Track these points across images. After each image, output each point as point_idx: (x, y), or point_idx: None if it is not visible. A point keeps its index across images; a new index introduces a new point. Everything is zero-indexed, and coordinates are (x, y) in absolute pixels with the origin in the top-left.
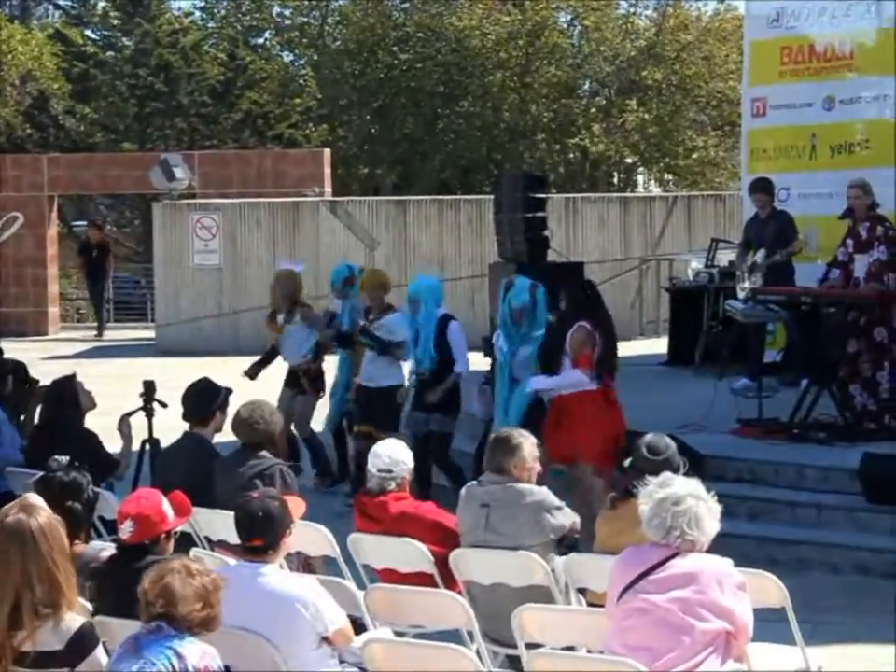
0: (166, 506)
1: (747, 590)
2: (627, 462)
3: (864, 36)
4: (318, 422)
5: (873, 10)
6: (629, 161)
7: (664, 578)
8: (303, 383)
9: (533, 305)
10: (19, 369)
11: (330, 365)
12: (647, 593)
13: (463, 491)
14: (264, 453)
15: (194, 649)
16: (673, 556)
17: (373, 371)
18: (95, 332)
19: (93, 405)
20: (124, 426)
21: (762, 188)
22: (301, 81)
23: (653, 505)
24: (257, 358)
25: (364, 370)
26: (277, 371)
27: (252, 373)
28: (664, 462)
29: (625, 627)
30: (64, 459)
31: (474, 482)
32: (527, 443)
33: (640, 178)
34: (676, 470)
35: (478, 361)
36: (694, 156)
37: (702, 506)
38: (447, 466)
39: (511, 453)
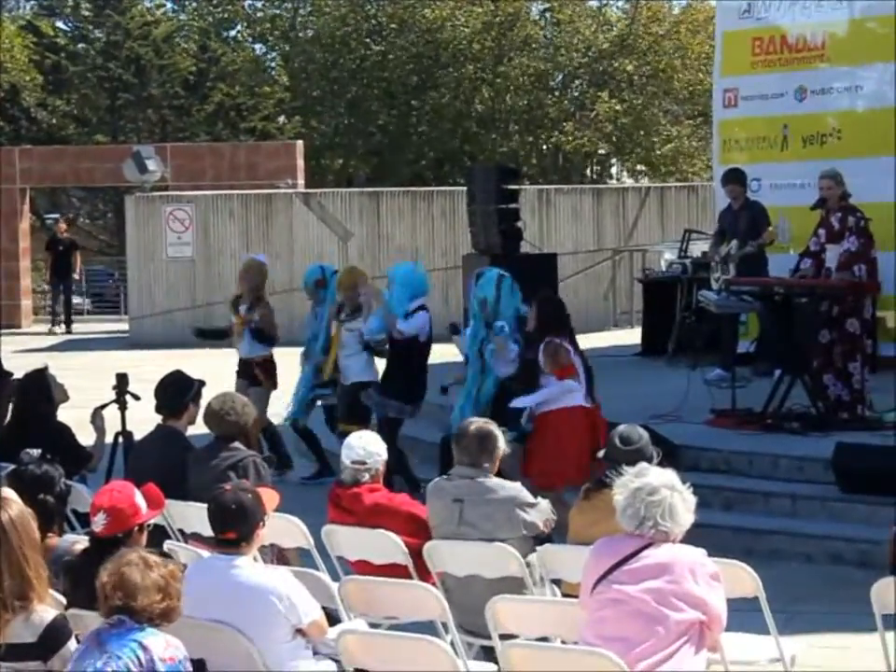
0: (139, 498)
1: (721, 580)
2: (601, 453)
3: (836, 27)
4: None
5: (844, 1)
6: (602, 151)
7: (637, 568)
8: (258, 374)
9: (497, 298)
10: None
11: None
12: (621, 583)
13: (431, 485)
14: (237, 444)
15: (158, 640)
16: (646, 547)
17: (346, 366)
18: (64, 328)
19: (66, 398)
20: (97, 418)
21: (734, 178)
22: (273, 73)
23: (628, 495)
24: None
25: (341, 366)
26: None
27: (201, 332)
28: (636, 452)
29: (600, 618)
30: (36, 452)
31: (442, 476)
32: (498, 432)
33: (614, 170)
34: (649, 461)
35: (445, 352)
36: (668, 146)
37: (676, 497)
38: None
39: (485, 445)
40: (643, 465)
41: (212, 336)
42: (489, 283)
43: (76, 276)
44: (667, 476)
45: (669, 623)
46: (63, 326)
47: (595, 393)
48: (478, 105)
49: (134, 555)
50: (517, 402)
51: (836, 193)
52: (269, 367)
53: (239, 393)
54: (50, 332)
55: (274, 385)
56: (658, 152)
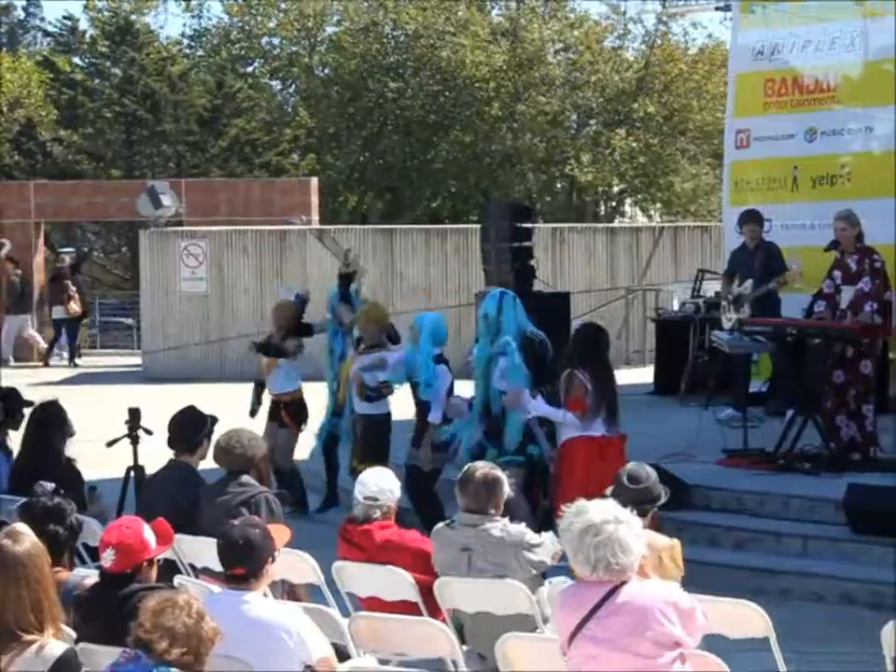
0: (148, 534)
1: (694, 608)
2: (609, 490)
3: (851, 69)
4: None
5: (857, 43)
6: (616, 189)
7: (610, 621)
8: (284, 416)
9: (498, 311)
10: (10, 395)
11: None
12: (596, 640)
13: (434, 533)
14: (249, 479)
15: None
16: (612, 592)
17: (356, 398)
18: None
19: (73, 432)
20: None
21: (754, 218)
22: (290, 109)
23: (574, 539)
24: (250, 396)
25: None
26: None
27: (253, 411)
28: (644, 491)
29: None
30: (50, 486)
31: (443, 524)
32: (503, 476)
33: (628, 208)
34: (656, 499)
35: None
36: (686, 185)
37: (622, 529)
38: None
39: (491, 492)
40: (580, 503)
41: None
42: (492, 299)
43: None
44: (608, 509)
45: (652, 667)
46: None
47: (611, 425)
48: (497, 144)
49: (183, 598)
50: (531, 406)
51: (851, 235)
52: (296, 407)
53: (270, 436)
54: None
55: (300, 428)
56: (679, 189)
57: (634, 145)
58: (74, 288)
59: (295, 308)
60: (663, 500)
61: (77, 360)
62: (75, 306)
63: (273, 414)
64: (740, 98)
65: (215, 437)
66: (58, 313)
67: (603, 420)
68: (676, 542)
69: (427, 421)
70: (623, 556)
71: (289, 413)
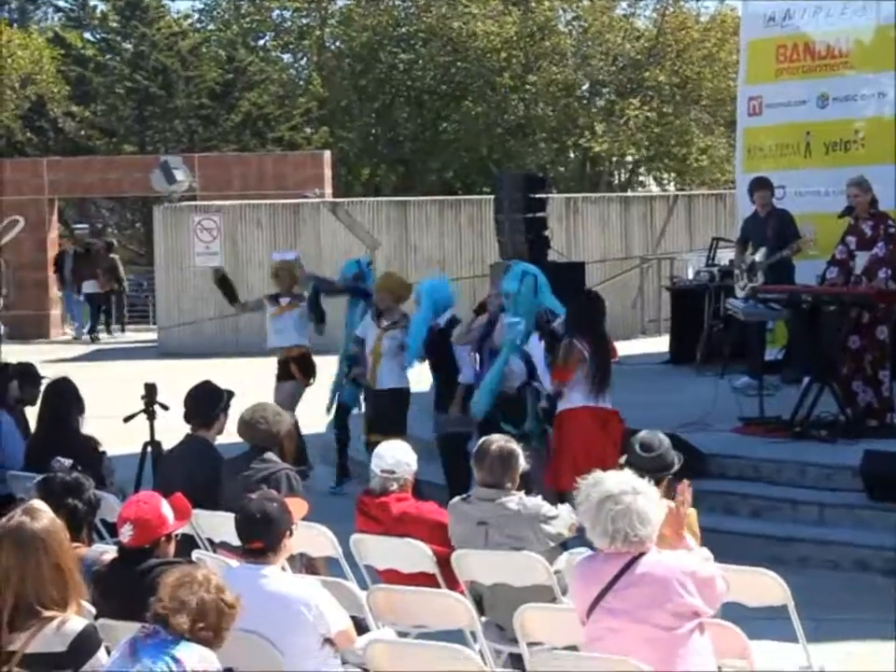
0: (166, 509)
1: (712, 576)
2: (623, 459)
3: (863, 34)
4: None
5: (869, 7)
6: (630, 158)
7: (629, 593)
8: (293, 370)
9: (517, 293)
10: (26, 371)
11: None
12: (615, 612)
13: (451, 507)
14: (272, 456)
15: (191, 653)
16: (630, 564)
17: (382, 372)
18: None
19: (83, 410)
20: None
21: (766, 185)
22: (302, 82)
23: (591, 511)
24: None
25: (377, 372)
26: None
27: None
28: (657, 458)
29: (602, 647)
30: (68, 462)
31: (459, 498)
32: (518, 449)
33: (642, 178)
34: (670, 467)
35: None
36: (703, 157)
37: (640, 499)
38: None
39: (507, 465)
40: (597, 473)
41: (227, 289)
42: (514, 277)
43: None
44: (625, 479)
45: (671, 638)
46: None
47: (606, 395)
48: (509, 115)
49: (203, 573)
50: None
51: (864, 200)
52: (305, 362)
53: (277, 391)
54: None
55: (309, 382)
56: (695, 165)
57: (648, 115)
58: (106, 264)
59: (291, 265)
60: (677, 467)
61: (99, 336)
62: (105, 282)
63: (282, 375)
64: (752, 65)
65: (231, 411)
66: (88, 287)
67: (597, 390)
68: (692, 511)
69: (458, 381)
70: (642, 527)
71: (299, 366)
